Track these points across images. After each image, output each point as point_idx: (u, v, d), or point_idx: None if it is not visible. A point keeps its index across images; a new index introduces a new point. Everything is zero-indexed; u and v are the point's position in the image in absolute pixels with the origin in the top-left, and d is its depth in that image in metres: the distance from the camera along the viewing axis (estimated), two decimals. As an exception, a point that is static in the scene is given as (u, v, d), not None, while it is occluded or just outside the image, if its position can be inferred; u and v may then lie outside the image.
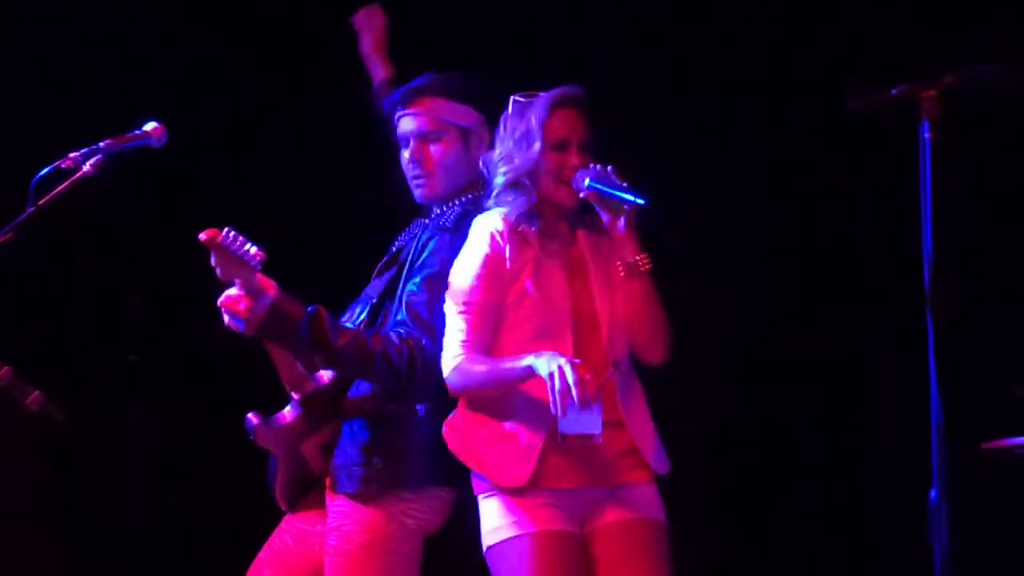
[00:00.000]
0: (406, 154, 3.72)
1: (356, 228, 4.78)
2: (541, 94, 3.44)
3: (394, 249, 3.79)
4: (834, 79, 4.21)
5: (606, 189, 3.32)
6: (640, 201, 3.29)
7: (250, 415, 3.68)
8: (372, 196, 4.26)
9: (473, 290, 3.38)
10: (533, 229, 3.40)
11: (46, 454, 5.27)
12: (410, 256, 3.63)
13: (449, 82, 3.69)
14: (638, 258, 3.34)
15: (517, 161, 3.40)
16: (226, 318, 3.44)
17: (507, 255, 3.38)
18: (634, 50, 5.00)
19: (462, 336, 3.36)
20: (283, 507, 3.76)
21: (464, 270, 3.40)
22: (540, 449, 3.32)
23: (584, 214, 3.44)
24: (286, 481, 3.69)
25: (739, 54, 4.93)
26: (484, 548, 3.38)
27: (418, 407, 3.55)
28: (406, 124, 3.71)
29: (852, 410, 4.89)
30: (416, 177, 3.70)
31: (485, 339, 3.37)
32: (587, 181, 3.34)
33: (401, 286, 3.60)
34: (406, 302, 3.54)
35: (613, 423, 3.35)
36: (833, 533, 4.91)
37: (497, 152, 3.46)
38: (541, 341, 3.32)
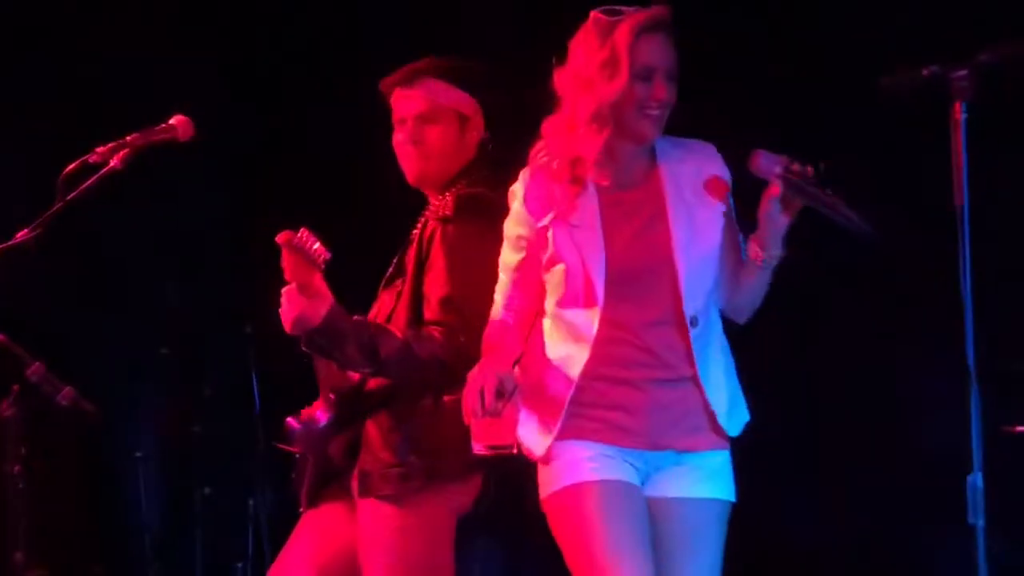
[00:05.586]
0: (401, 134, 3.68)
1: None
2: (626, 15, 3.09)
3: (396, 260, 3.75)
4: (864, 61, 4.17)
5: (823, 209, 2.99)
6: (866, 229, 2.97)
7: (290, 420, 3.66)
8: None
9: (503, 256, 3.22)
10: (598, 169, 3.10)
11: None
12: (417, 256, 3.58)
13: (449, 67, 3.66)
14: (776, 252, 3.10)
15: (600, 90, 3.07)
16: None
17: (530, 216, 3.15)
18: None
19: (497, 300, 3.23)
20: (303, 507, 3.71)
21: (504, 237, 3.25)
22: (565, 405, 3.09)
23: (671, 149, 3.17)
24: (312, 481, 3.67)
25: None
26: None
27: (445, 397, 3.49)
28: (404, 104, 3.68)
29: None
30: (410, 157, 3.67)
31: (518, 303, 3.20)
32: (785, 177, 2.99)
33: (414, 287, 3.56)
34: (431, 298, 3.50)
35: (687, 380, 3.12)
36: (873, 516, 4.89)
37: (568, 78, 3.13)
38: (570, 307, 3.11)
